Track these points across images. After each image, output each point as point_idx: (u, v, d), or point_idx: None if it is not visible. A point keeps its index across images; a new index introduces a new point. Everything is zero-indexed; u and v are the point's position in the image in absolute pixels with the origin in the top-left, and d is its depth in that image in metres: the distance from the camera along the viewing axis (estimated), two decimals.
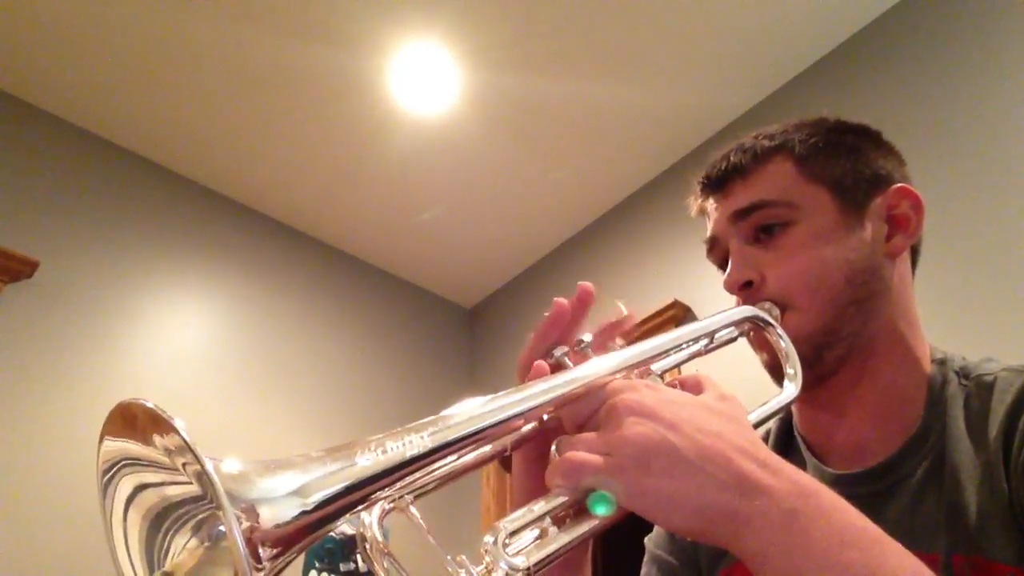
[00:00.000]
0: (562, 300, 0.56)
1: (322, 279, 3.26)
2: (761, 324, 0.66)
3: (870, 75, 2.42)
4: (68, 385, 2.40)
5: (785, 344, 0.65)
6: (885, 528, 0.59)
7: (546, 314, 0.57)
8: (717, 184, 0.74)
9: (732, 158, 0.73)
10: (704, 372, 0.54)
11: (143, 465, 0.34)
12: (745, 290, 0.69)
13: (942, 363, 0.68)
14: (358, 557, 2.76)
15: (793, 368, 0.64)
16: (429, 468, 0.41)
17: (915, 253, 0.74)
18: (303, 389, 2.96)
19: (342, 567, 2.70)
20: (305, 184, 3.08)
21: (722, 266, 0.75)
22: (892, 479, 0.63)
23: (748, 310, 0.66)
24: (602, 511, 0.43)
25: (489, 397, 0.46)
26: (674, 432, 0.43)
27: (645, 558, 0.81)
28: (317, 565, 2.64)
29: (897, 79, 2.34)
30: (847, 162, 0.71)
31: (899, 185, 0.72)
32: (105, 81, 2.66)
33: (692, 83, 2.68)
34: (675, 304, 2.64)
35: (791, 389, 0.63)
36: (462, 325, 3.69)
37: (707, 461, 0.42)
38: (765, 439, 0.78)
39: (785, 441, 0.76)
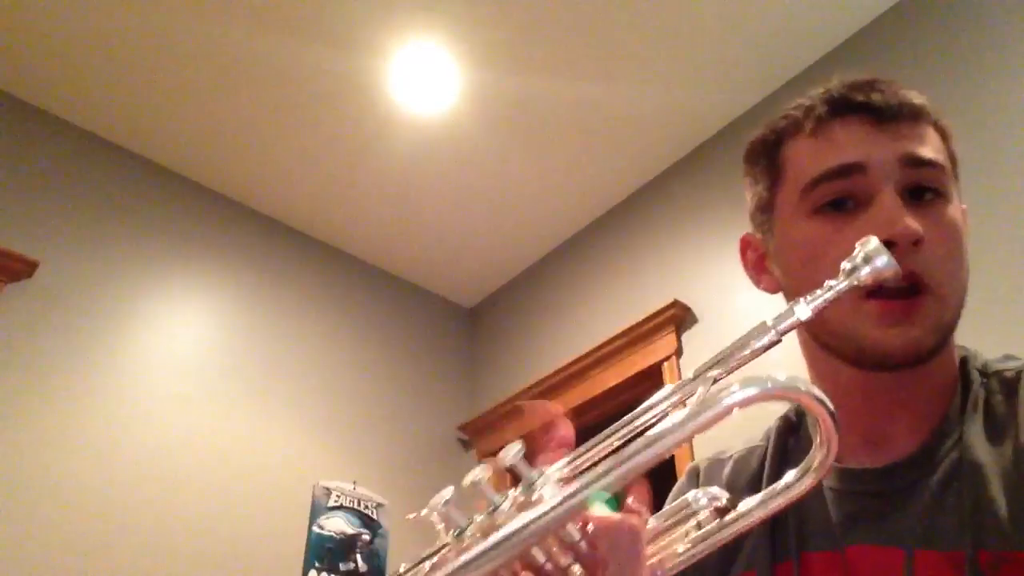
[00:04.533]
0: None
1: (322, 279, 3.26)
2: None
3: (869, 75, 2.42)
4: (67, 385, 2.40)
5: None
6: (905, 526, 0.59)
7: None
8: (888, 114, 0.63)
9: (900, 95, 0.65)
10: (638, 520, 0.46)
11: None
12: (912, 247, 0.57)
13: (964, 360, 0.66)
14: (358, 557, 2.76)
15: (815, 459, 0.49)
16: None
17: None
18: (302, 388, 2.96)
19: (342, 567, 2.70)
20: (305, 184, 3.08)
21: (825, 205, 0.63)
22: (914, 476, 0.61)
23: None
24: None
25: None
26: None
27: None
28: (317, 565, 2.64)
29: (896, 79, 2.33)
30: (953, 148, 0.66)
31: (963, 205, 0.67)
32: (105, 81, 2.66)
33: (692, 83, 2.68)
34: (675, 304, 2.65)
35: (796, 488, 0.50)
36: (462, 325, 3.69)
37: None
38: (763, 446, 0.75)
39: (785, 439, 0.72)
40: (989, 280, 1.91)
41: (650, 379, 2.71)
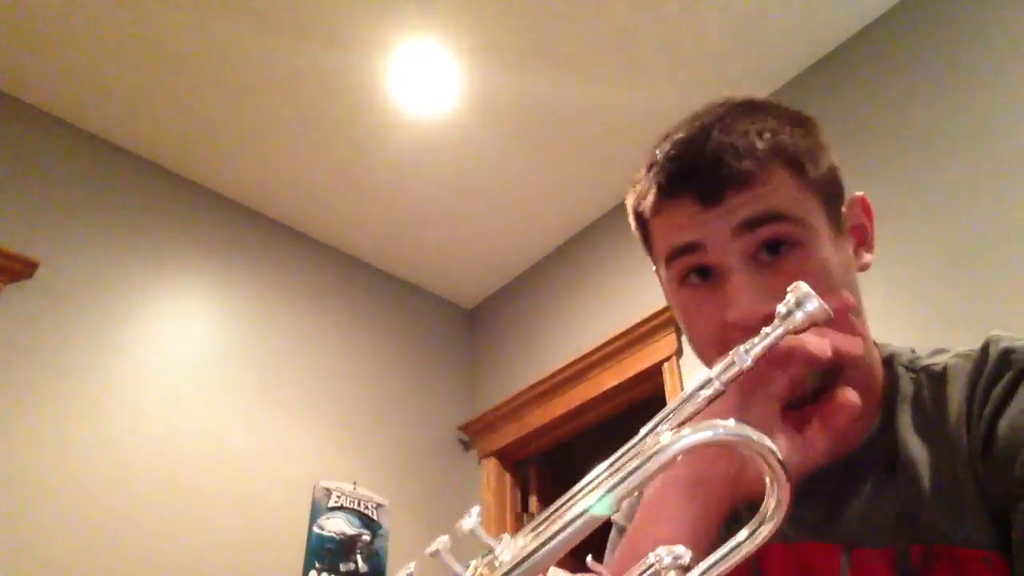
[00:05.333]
0: None
1: (321, 280, 3.26)
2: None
3: (867, 77, 2.42)
4: (68, 386, 2.40)
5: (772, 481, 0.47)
6: (845, 525, 0.61)
7: None
8: (712, 197, 0.61)
9: (731, 165, 0.60)
10: None
11: None
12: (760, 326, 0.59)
13: (889, 361, 0.67)
14: (358, 557, 2.76)
15: (768, 508, 0.46)
16: None
17: None
18: (303, 389, 2.96)
19: (342, 567, 2.70)
20: (304, 184, 3.08)
21: (690, 273, 0.64)
22: (852, 475, 0.63)
23: (728, 435, 0.44)
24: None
25: None
26: None
27: (612, 532, 0.79)
28: (317, 565, 2.64)
29: (894, 82, 2.34)
30: (824, 164, 0.63)
31: (859, 194, 0.67)
32: (105, 82, 2.66)
33: (692, 83, 2.68)
34: None
35: (755, 539, 0.46)
36: (462, 326, 3.69)
37: None
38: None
39: None
40: (982, 285, 1.91)
41: (650, 380, 2.71)
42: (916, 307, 1.97)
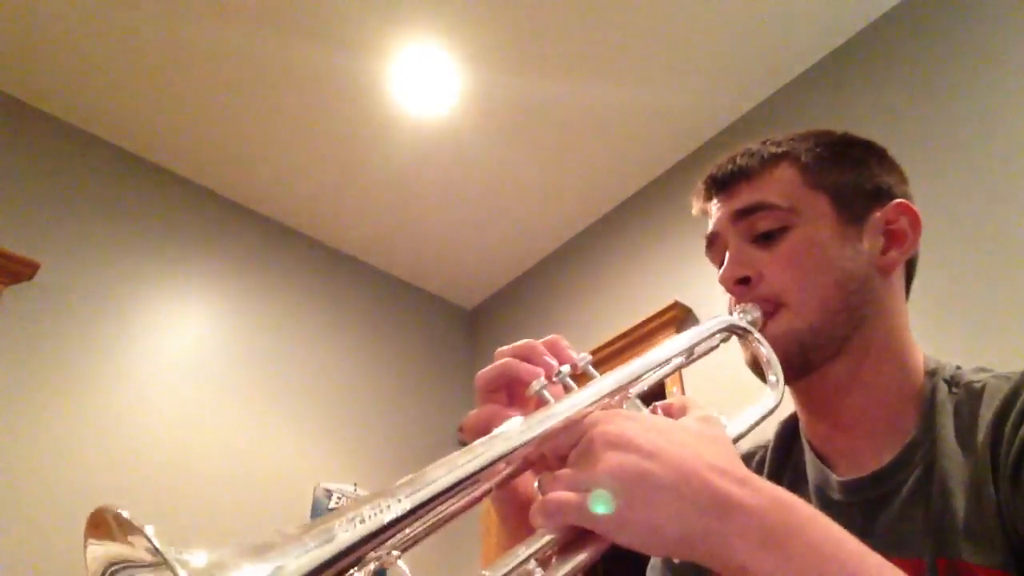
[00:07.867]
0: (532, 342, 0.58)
1: (323, 281, 3.26)
2: (739, 333, 0.68)
3: (868, 77, 2.41)
4: (68, 387, 2.40)
5: (766, 350, 0.66)
6: (876, 535, 0.63)
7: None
8: (722, 184, 0.76)
9: (738, 161, 0.75)
10: (689, 396, 0.56)
11: (134, 566, 0.34)
12: (739, 286, 0.71)
13: (933, 373, 0.69)
14: None
15: (775, 375, 0.65)
16: (411, 526, 0.40)
17: (910, 269, 0.76)
18: (304, 390, 2.96)
19: None
20: (306, 185, 3.08)
21: (720, 263, 0.76)
22: (885, 487, 0.64)
23: (725, 320, 0.67)
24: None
25: (470, 446, 0.45)
26: (651, 460, 0.43)
27: None
28: None
29: (896, 81, 2.32)
30: (850, 173, 0.73)
31: (899, 200, 0.73)
32: (106, 83, 2.65)
33: (693, 84, 2.67)
34: (676, 305, 2.64)
35: (771, 399, 0.63)
36: (463, 326, 3.69)
37: (685, 484, 0.42)
38: (765, 446, 0.80)
39: (787, 446, 0.77)
40: (989, 286, 1.90)
41: None
42: (919, 312, 1.97)
